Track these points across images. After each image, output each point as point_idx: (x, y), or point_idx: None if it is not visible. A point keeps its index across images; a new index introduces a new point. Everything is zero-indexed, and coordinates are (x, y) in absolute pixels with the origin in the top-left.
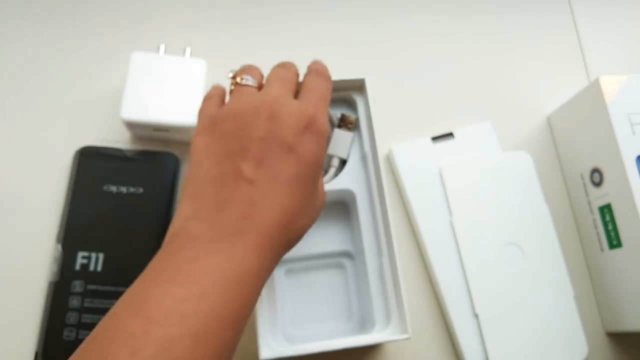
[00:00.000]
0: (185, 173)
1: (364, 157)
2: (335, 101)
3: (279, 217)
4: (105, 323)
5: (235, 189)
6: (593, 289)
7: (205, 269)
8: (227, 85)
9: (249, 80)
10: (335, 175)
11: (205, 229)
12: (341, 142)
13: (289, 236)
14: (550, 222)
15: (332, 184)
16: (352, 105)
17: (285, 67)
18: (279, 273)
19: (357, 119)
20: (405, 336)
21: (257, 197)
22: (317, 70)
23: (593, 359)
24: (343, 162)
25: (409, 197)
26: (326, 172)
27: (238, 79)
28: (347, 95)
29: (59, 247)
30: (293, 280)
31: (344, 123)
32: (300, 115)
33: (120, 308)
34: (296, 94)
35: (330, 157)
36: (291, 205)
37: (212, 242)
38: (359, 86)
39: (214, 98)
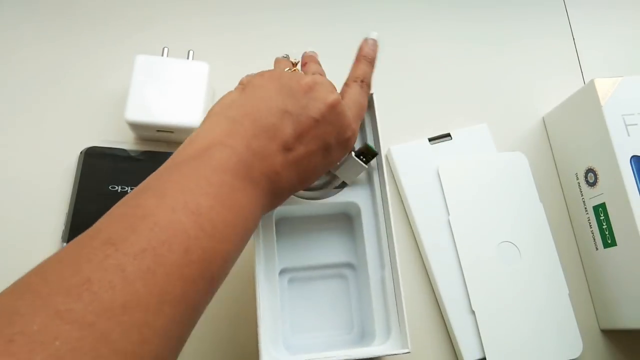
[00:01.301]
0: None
1: (370, 170)
2: None
3: (284, 188)
4: (122, 201)
5: (270, 153)
6: (588, 286)
7: (210, 177)
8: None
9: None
10: (330, 189)
11: (228, 154)
12: (351, 170)
13: (277, 199)
14: (545, 221)
15: (338, 197)
16: None
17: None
18: (282, 282)
19: (376, 156)
20: (405, 350)
21: (279, 163)
22: (357, 89)
23: (588, 355)
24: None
25: (407, 197)
26: (322, 187)
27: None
28: None
29: (65, 245)
30: (295, 289)
31: (363, 155)
32: (350, 126)
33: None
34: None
35: (334, 177)
36: (297, 186)
37: (228, 166)
38: None
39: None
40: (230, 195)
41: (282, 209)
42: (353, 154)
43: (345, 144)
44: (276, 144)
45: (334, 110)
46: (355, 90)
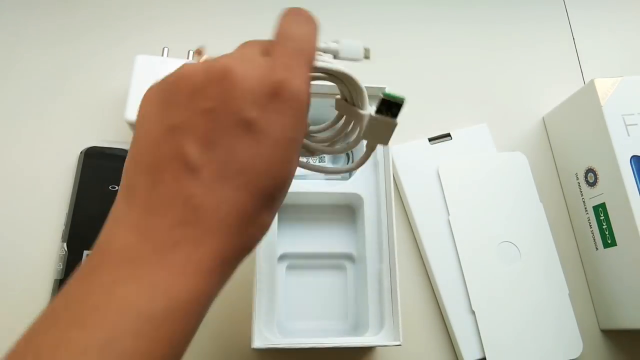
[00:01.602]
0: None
1: (376, 164)
2: None
3: (227, 221)
4: None
5: (174, 180)
6: (588, 287)
7: (122, 303)
8: None
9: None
10: (362, 162)
11: (132, 241)
12: (378, 131)
13: (244, 242)
14: (545, 221)
15: (342, 188)
16: None
17: (293, 15)
18: (280, 267)
19: (402, 104)
20: (397, 343)
21: (198, 194)
22: (293, 11)
23: (588, 355)
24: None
25: (407, 197)
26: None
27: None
28: None
29: (65, 245)
30: (293, 276)
31: (387, 107)
32: (263, 79)
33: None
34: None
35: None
36: (245, 202)
37: (138, 261)
38: (375, 95)
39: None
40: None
41: (286, 196)
42: (373, 112)
43: (278, 97)
44: (177, 182)
45: (214, 76)
46: (279, 26)
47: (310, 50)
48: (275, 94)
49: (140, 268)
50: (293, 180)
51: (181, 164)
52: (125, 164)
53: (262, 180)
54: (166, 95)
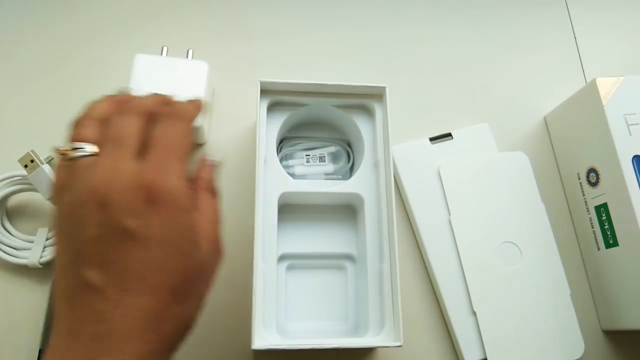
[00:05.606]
0: None
1: (376, 164)
2: (352, 107)
3: (135, 325)
4: None
5: (85, 301)
6: (590, 287)
7: None
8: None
9: (81, 151)
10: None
11: None
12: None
13: (163, 336)
14: (547, 221)
15: (343, 188)
16: (368, 112)
17: (122, 111)
18: (280, 267)
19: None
20: (397, 344)
21: (107, 309)
22: (164, 112)
23: (589, 356)
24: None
25: (408, 197)
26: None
27: (63, 149)
28: (363, 102)
29: None
30: (293, 276)
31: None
32: (136, 188)
33: None
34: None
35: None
36: (148, 302)
37: None
38: (377, 94)
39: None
40: None
41: (287, 196)
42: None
43: (153, 201)
44: (87, 304)
45: (88, 205)
46: (153, 130)
47: (182, 145)
48: (149, 198)
49: None
50: (294, 180)
51: (87, 288)
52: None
53: (160, 279)
54: (58, 231)
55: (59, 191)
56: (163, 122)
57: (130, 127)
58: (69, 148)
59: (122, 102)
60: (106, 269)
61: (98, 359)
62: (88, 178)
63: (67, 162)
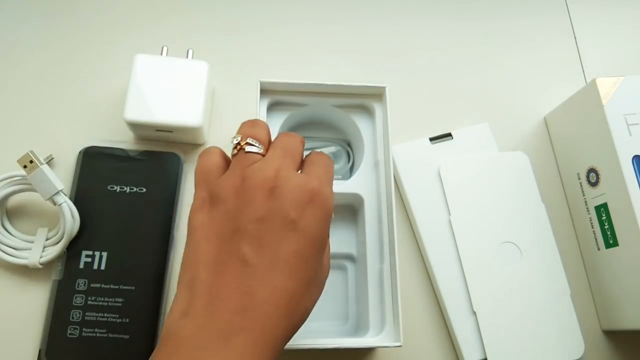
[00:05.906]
0: (184, 254)
1: (376, 164)
2: (352, 107)
3: (279, 305)
4: None
5: (233, 275)
6: (590, 287)
7: None
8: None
9: (254, 147)
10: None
11: (196, 330)
12: None
13: (291, 324)
14: (547, 221)
15: (343, 188)
16: (368, 111)
17: (290, 136)
18: None
19: None
20: (397, 344)
21: (254, 285)
22: (317, 152)
23: (589, 356)
24: None
25: (408, 197)
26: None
27: (242, 142)
28: (363, 102)
29: None
30: None
31: None
32: (304, 189)
33: None
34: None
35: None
36: (292, 288)
37: (205, 347)
38: (376, 94)
39: (213, 156)
40: None
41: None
42: None
43: (314, 202)
44: (237, 277)
45: (273, 192)
46: (310, 155)
47: (332, 174)
48: (311, 200)
49: (207, 354)
50: None
51: (239, 262)
52: (186, 261)
53: (304, 269)
54: (220, 208)
55: (220, 167)
56: (316, 153)
57: (297, 146)
58: (245, 142)
59: (285, 132)
60: (262, 248)
61: (238, 332)
62: (260, 169)
63: (236, 152)
